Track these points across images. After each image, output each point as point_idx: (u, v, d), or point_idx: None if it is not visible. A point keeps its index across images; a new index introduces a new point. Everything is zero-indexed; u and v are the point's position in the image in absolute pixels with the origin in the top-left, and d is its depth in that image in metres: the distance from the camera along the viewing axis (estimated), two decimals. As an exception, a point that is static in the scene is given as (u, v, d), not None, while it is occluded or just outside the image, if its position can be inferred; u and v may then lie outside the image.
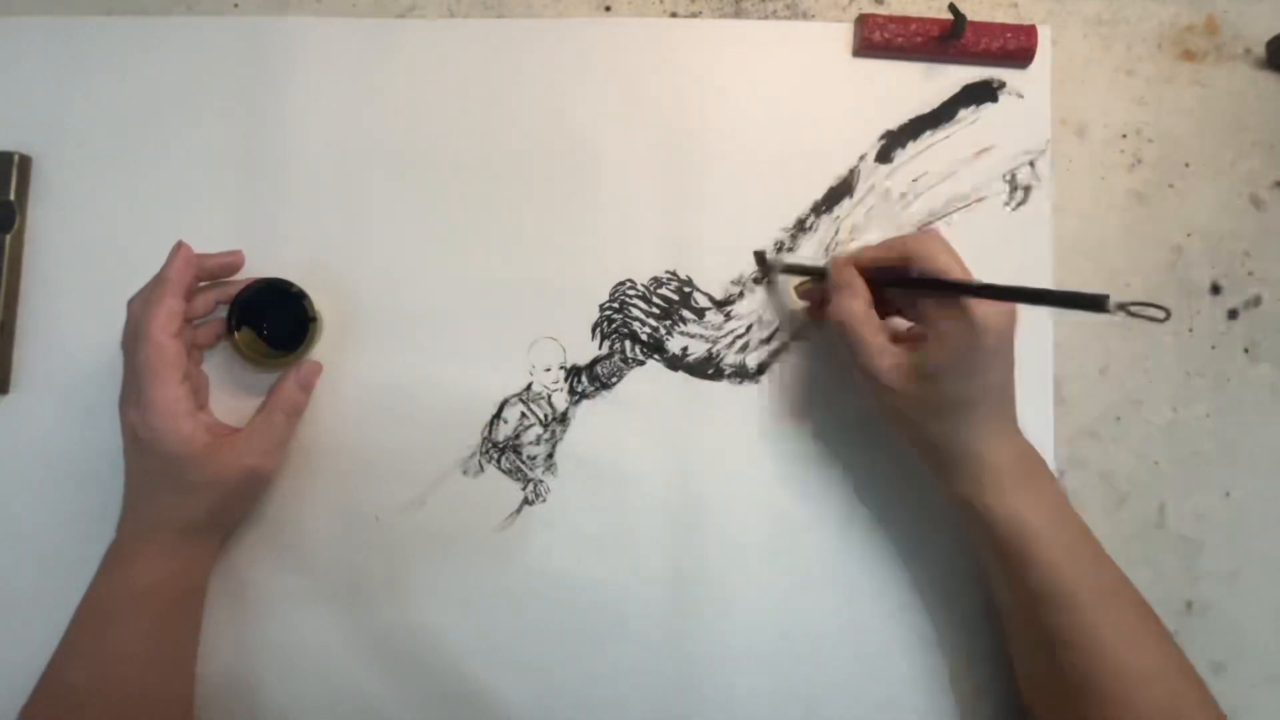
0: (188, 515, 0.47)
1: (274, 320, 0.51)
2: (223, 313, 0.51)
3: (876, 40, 0.54)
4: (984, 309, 0.42)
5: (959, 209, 0.54)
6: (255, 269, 0.54)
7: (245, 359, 0.51)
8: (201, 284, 0.50)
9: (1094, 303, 0.37)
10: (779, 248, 0.54)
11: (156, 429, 0.45)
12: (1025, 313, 0.53)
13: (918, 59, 0.55)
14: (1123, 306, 0.37)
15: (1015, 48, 0.54)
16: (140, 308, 0.47)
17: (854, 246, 0.49)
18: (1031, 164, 0.55)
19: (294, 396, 0.50)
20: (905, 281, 0.46)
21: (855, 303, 0.46)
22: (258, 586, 0.53)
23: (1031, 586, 0.44)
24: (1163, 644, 0.45)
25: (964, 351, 0.43)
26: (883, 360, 0.45)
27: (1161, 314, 0.36)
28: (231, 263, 0.50)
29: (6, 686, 0.48)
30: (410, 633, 0.52)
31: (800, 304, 0.54)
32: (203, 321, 0.51)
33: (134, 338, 0.46)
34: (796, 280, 0.53)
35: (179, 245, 0.48)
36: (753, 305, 0.54)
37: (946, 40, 0.53)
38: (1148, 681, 0.44)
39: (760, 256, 0.54)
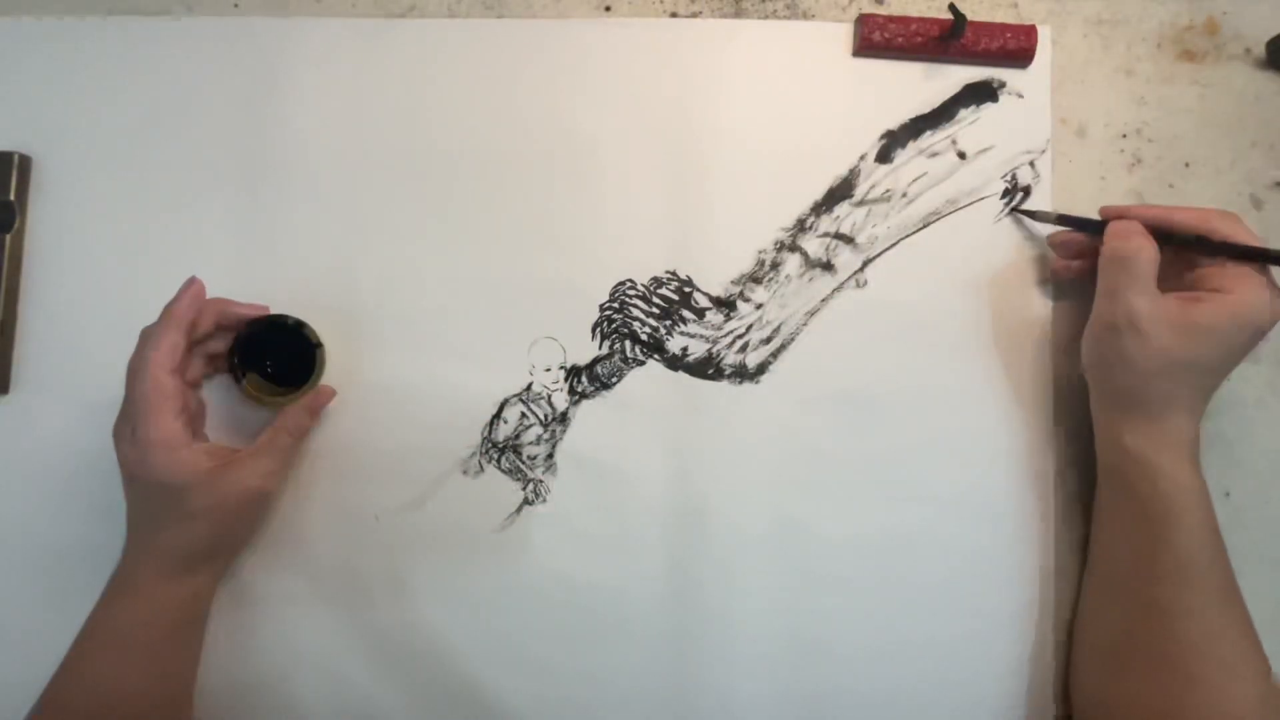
0: (191, 542, 0.47)
1: (277, 357, 0.51)
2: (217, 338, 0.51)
3: (876, 40, 0.54)
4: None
5: (959, 209, 0.54)
6: (254, 268, 0.54)
7: (258, 403, 0.51)
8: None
9: None
10: (779, 247, 0.54)
11: (152, 464, 0.45)
12: (1024, 312, 0.54)
13: (918, 59, 0.55)
14: None
15: (1015, 48, 0.54)
16: (144, 340, 0.47)
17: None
18: (1031, 164, 0.55)
19: (301, 420, 0.50)
20: (1212, 249, 0.46)
21: (1140, 243, 0.46)
22: (258, 586, 0.53)
23: (1173, 552, 0.45)
24: (1263, 656, 0.45)
25: (1242, 322, 0.45)
26: (1151, 305, 0.45)
27: None
28: (256, 312, 0.50)
29: (6, 686, 0.48)
30: (410, 633, 0.52)
31: (1052, 253, 0.53)
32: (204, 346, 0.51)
33: (133, 371, 0.46)
34: (1050, 230, 0.53)
35: (190, 281, 0.49)
36: (752, 305, 0.54)
37: (946, 40, 0.53)
38: (1245, 678, 0.44)
39: (1024, 211, 0.54)
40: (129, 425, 0.46)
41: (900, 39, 0.54)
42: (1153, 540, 0.46)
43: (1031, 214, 0.54)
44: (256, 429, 0.51)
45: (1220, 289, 0.46)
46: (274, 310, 0.51)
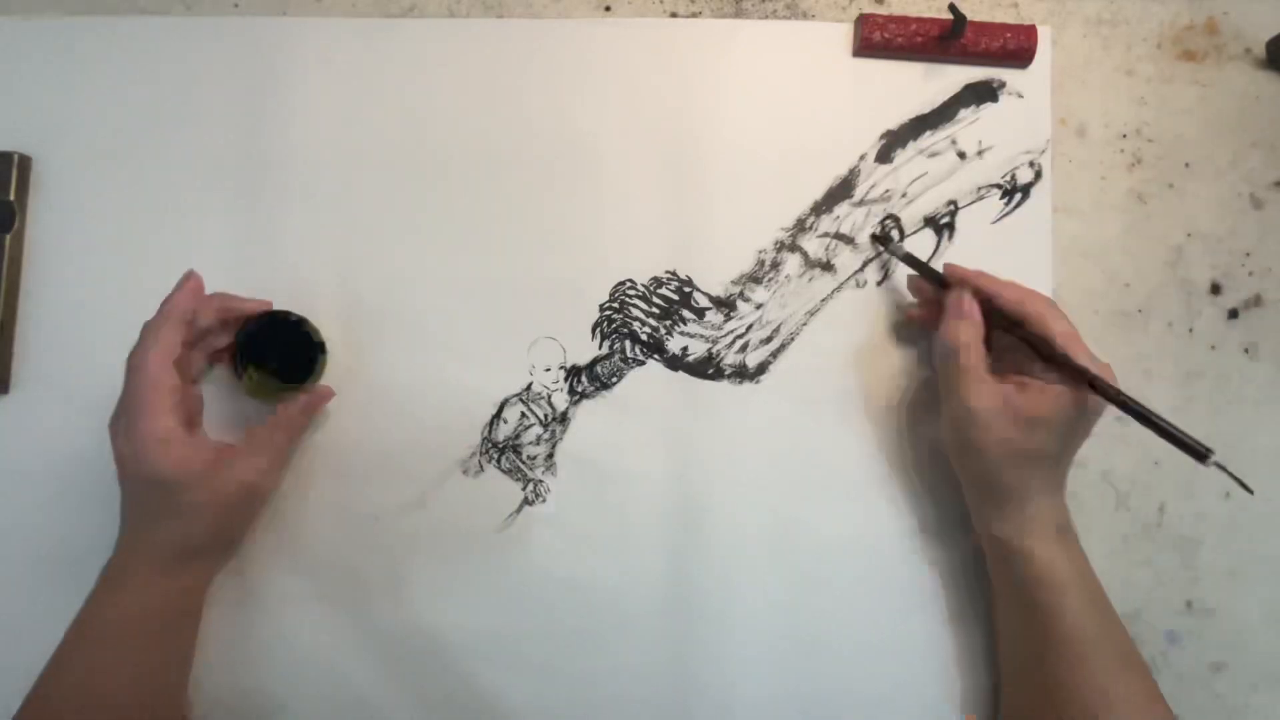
0: (185, 535, 0.47)
1: (279, 352, 0.51)
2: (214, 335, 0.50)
3: (876, 40, 0.54)
4: (1091, 397, 0.45)
5: (959, 209, 0.54)
6: (254, 268, 0.54)
7: (257, 398, 0.51)
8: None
9: (1196, 453, 0.43)
10: (779, 247, 0.54)
11: (146, 460, 0.45)
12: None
13: (918, 59, 0.55)
14: (1221, 467, 0.43)
15: (1015, 48, 0.54)
16: (143, 334, 0.47)
17: (969, 267, 0.50)
18: (1031, 164, 0.55)
19: (297, 417, 0.50)
20: (1028, 339, 0.47)
21: (965, 330, 0.47)
22: (258, 586, 0.53)
23: (1054, 635, 0.45)
24: (1165, 711, 0.45)
25: (1066, 415, 0.45)
26: (981, 398, 0.46)
27: (1249, 492, 0.43)
28: (259, 308, 0.51)
29: (6, 686, 0.47)
30: (410, 633, 0.52)
31: (907, 298, 0.54)
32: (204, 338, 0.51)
33: (131, 365, 0.46)
34: (909, 272, 0.53)
35: (188, 275, 0.48)
36: (752, 305, 0.54)
37: (946, 40, 0.53)
38: None
39: (883, 238, 0.54)
40: (124, 419, 0.46)
41: (900, 39, 0.54)
42: (1036, 623, 0.46)
43: (886, 245, 0.53)
44: (256, 425, 0.51)
45: (1044, 377, 0.46)
46: (276, 306, 0.51)
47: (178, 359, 0.47)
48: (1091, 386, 0.45)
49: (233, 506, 0.48)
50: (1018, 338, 0.47)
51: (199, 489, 0.46)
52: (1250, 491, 0.43)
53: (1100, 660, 0.45)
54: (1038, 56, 0.54)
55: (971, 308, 0.48)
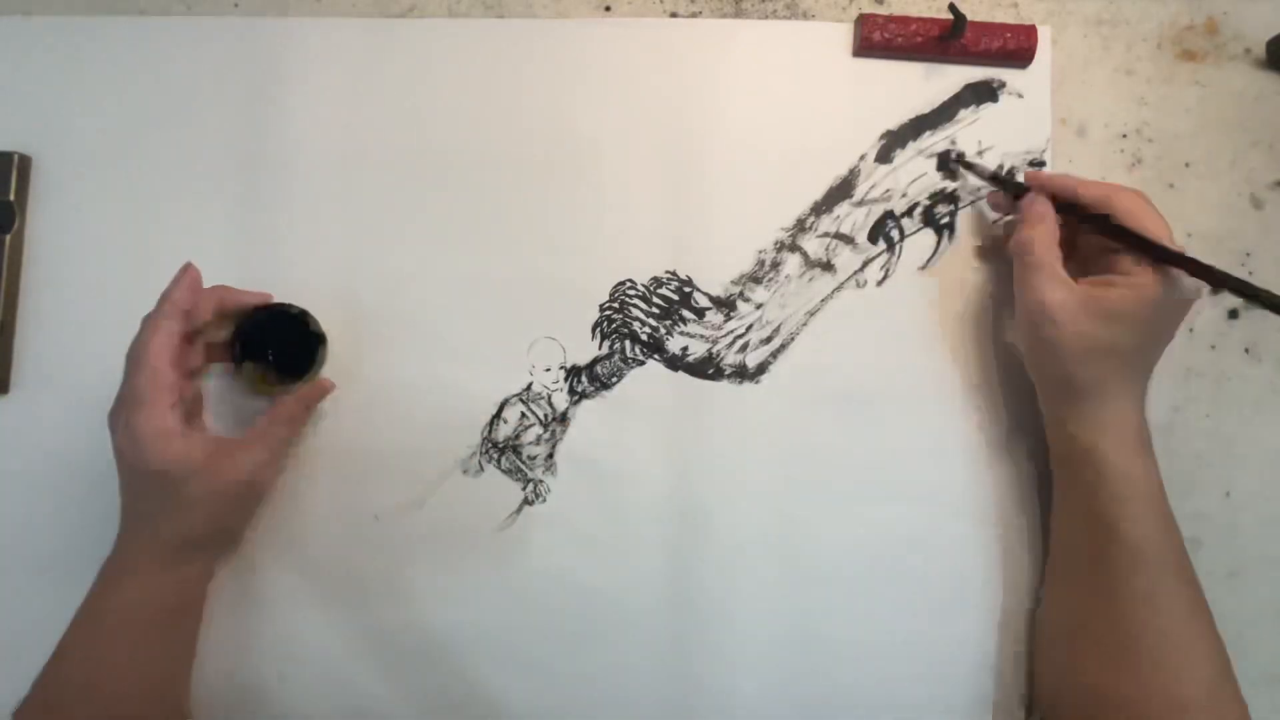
0: (186, 529, 0.47)
1: (279, 346, 0.50)
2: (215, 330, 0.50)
3: (876, 40, 0.54)
4: (1187, 279, 0.44)
5: (959, 208, 0.54)
6: (254, 269, 0.54)
7: (256, 392, 0.51)
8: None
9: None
10: (779, 247, 0.54)
11: (145, 454, 0.45)
12: (1025, 313, 0.54)
13: (918, 59, 0.55)
14: None
15: (1015, 47, 0.54)
16: (143, 328, 0.47)
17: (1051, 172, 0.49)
18: (1031, 164, 0.55)
19: (296, 412, 0.50)
20: (1114, 232, 0.46)
21: (1044, 231, 0.47)
22: (258, 586, 0.53)
23: (1122, 538, 0.45)
24: (1217, 635, 0.46)
25: (1154, 307, 0.45)
26: (1059, 293, 0.45)
27: None
28: (259, 300, 0.51)
29: (6, 686, 0.47)
30: (410, 632, 0.52)
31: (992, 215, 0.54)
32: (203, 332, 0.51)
33: (131, 359, 0.46)
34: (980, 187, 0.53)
35: (186, 268, 0.48)
36: (752, 305, 0.54)
37: (946, 40, 0.53)
38: (1202, 660, 0.45)
39: (952, 157, 0.54)
40: (123, 414, 0.46)
41: (900, 39, 0.54)
42: (1101, 526, 0.46)
43: (970, 165, 0.54)
44: (257, 418, 0.51)
45: (1132, 272, 0.45)
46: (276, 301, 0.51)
47: (176, 353, 0.47)
48: (1183, 266, 0.43)
49: (231, 500, 0.48)
50: (1102, 233, 0.46)
51: (197, 482, 0.46)
52: None
53: (1158, 572, 0.45)
54: (1038, 56, 0.54)
55: (1045, 208, 0.47)
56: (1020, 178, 0.52)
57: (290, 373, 0.50)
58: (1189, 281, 0.44)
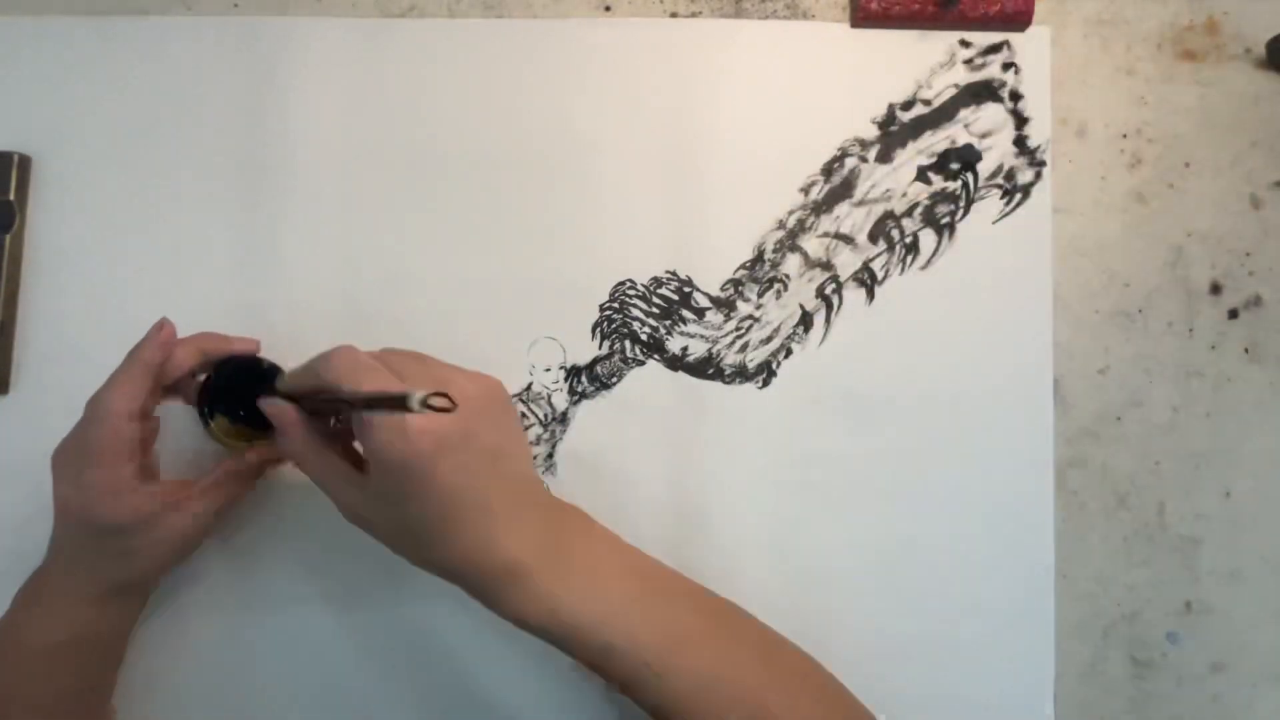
0: (122, 574, 0.46)
1: (248, 400, 0.46)
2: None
3: (874, 10, 0.54)
4: (383, 429, 0.37)
5: (959, 209, 0.54)
6: (253, 268, 0.54)
7: (224, 446, 0.49)
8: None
9: (400, 402, 0.33)
10: (779, 247, 0.54)
11: (95, 511, 0.44)
12: (1024, 312, 0.54)
13: (915, 27, 0.54)
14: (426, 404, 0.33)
15: (1013, 10, 0.54)
16: (109, 380, 0.45)
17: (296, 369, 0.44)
18: (1031, 164, 0.55)
19: (252, 471, 0.49)
20: (316, 406, 0.42)
21: (293, 440, 0.42)
22: (256, 586, 0.53)
23: (617, 673, 0.40)
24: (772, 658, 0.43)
25: (394, 472, 0.37)
26: (343, 494, 0.41)
27: (450, 405, 0.33)
28: (246, 349, 0.49)
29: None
30: (410, 632, 0.52)
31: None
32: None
33: (90, 413, 0.45)
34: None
35: (160, 325, 0.46)
36: (753, 305, 0.54)
37: (944, 7, 0.53)
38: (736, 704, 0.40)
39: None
40: (75, 465, 0.44)
41: (897, 6, 0.53)
42: (604, 673, 0.41)
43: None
44: (211, 466, 0.49)
45: (361, 441, 0.39)
46: (265, 343, 0.50)
47: (142, 406, 0.45)
48: (349, 407, 0.37)
49: (173, 550, 0.47)
50: (328, 411, 0.43)
51: (142, 535, 0.45)
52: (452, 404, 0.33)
53: (664, 659, 0.40)
54: (1038, 57, 0.54)
55: (281, 412, 0.43)
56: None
57: (256, 426, 0.47)
58: (383, 433, 0.37)
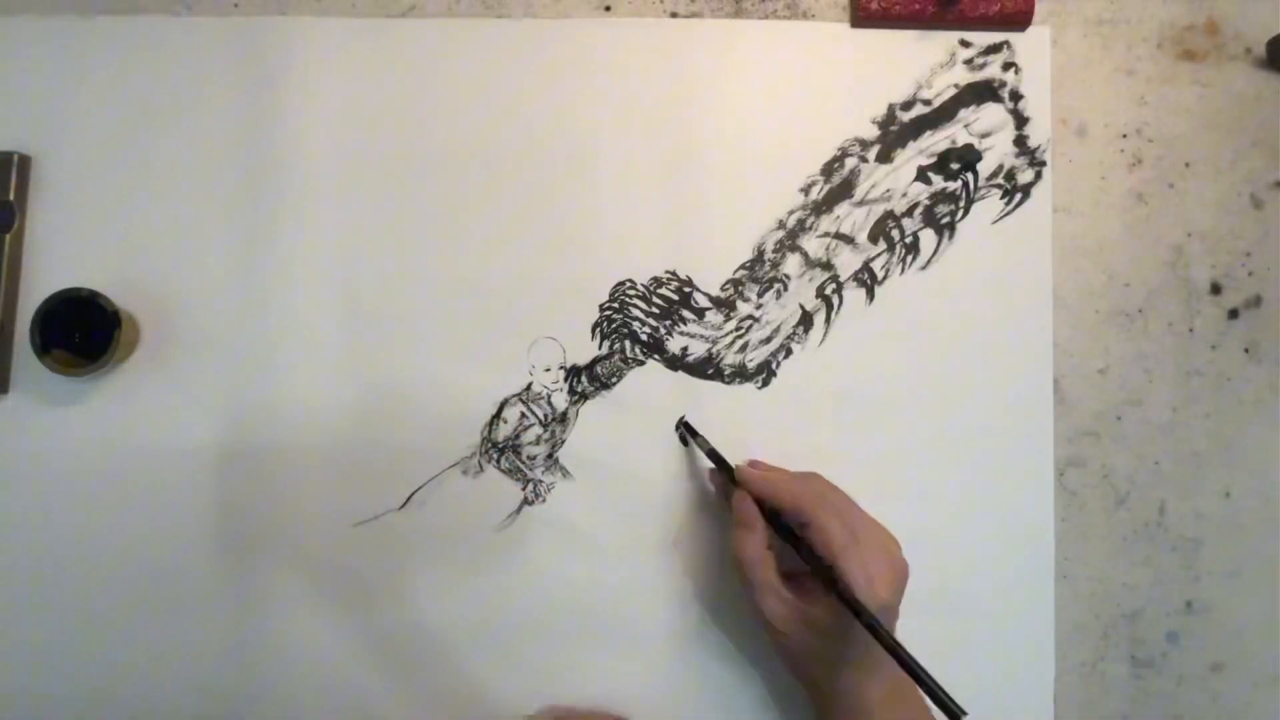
0: None
1: (83, 330, 0.50)
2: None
3: (874, 10, 0.54)
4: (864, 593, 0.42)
5: (959, 209, 0.54)
6: (253, 268, 0.54)
7: (62, 374, 0.50)
8: None
9: (951, 712, 0.37)
10: (779, 247, 0.54)
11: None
12: (1024, 312, 0.54)
13: (915, 27, 0.54)
14: None
15: (1013, 10, 0.54)
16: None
17: (757, 460, 0.51)
18: (1031, 164, 0.55)
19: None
20: (795, 544, 0.46)
21: (750, 543, 0.47)
22: (257, 587, 0.53)
23: None
24: None
25: (844, 622, 0.43)
26: (772, 604, 0.46)
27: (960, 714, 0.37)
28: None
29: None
30: (410, 633, 0.52)
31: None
32: None
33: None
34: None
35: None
36: (752, 305, 0.54)
37: (945, 6, 0.53)
38: None
39: (685, 425, 0.53)
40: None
41: (898, 6, 0.53)
42: None
43: (694, 434, 0.53)
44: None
45: (821, 586, 0.44)
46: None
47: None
48: (857, 616, 0.41)
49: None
50: (797, 551, 0.46)
51: None
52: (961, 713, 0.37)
53: None
54: (1038, 57, 0.54)
55: (749, 512, 0.47)
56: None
57: (92, 355, 0.50)
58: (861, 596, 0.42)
